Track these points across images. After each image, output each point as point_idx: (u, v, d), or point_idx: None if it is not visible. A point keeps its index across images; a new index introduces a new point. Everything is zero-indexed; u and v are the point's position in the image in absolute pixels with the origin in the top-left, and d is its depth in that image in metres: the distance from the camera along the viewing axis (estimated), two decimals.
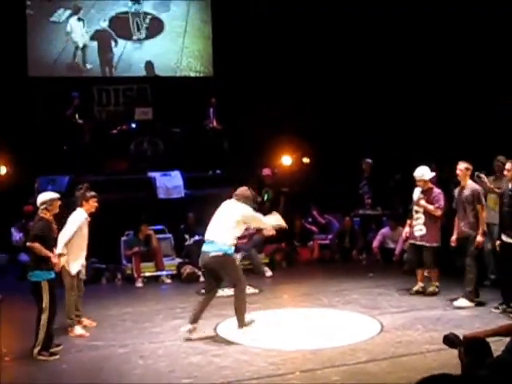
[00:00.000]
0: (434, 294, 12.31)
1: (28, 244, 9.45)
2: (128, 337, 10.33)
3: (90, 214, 10.94)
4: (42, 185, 16.70)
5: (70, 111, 18.04)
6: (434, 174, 12.45)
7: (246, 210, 10.12)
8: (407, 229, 12.76)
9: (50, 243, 9.67)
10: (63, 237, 10.36)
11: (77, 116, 18.16)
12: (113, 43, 20.66)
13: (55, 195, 9.98)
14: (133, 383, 8.03)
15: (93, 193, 11.06)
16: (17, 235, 15.57)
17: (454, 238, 11.84)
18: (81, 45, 20.25)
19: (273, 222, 10.47)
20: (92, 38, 20.44)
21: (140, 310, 12.08)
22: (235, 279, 10.05)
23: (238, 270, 10.15)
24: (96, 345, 9.92)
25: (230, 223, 10.04)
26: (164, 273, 14.96)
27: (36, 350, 9.34)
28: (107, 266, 14.78)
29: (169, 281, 14.83)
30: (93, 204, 10.96)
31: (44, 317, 9.36)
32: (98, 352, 9.60)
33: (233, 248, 10.10)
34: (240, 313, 10.07)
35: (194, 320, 10.07)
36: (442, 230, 12.48)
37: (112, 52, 20.62)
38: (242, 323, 10.08)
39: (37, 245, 9.35)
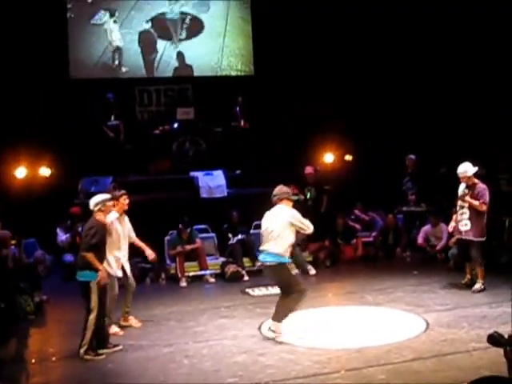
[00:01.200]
0: (480, 291, 12.18)
1: (83, 253, 9.46)
2: (173, 336, 10.38)
3: (125, 212, 10.99)
4: (85, 186, 16.87)
5: (106, 113, 18.16)
6: (476, 168, 12.31)
7: (294, 215, 10.03)
8: (453, 223, 12.65)
9: (104, 248, 9.76)
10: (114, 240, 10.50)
11: (112, 117, 18.27)
12: (156, 43, 20.71)
13: (107, 196, 10.10)
14: (178, 383, 8.03)
15: (122, 191, 11.14)
16: (62, 236, 15.69)
17: None
18: (115, 46, 20.31)
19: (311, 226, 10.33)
20: (131, 40, 20.51)
21: (184, 310, 12.12)
22: (294, 287, 9.95)
23: (294, 278, 10.01)
24: (141, 344, 9.98)
25: (280, 231, 9.94)
26: (208, 272, 14.98)
27: (82, 350, 9.41)
28: (152, 265, 14.83)
29: (213, 280, 14.83)
30: (123, 202, 11.00)
31: (91, 317, 9.41)
32: (143, 352, 9.66)
33: (287, 256, 9.99)
34: (285, 310, 9.98)
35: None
36: (488, 226, 12.34)
37: (155, 52, 20.67)
38: (279, 318, 9.98)
39: (90, 255, 9.41)
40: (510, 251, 13.38)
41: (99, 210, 9.75)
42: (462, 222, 12.35)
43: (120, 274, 10.76)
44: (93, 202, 9.86)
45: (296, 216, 10.03)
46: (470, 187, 12.26)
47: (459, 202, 12.42)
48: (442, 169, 17.04)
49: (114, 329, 10.57)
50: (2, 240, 13.68)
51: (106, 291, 9.67)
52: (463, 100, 18.07)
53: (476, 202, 12.12)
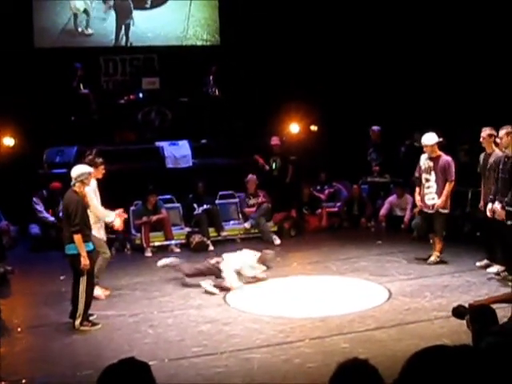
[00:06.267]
0: (435, 263, 12.29)
1: (74, 235, 9.34)
2: (138, 306, 10.43)
3: (97, 181, 10.98)
4: (50, 156, 16.76)
5: (74, 82, 18.07)
6: (440, 139, 12.35)
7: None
8: (418, 197, 12.67)
9: (88, 220, 9.72)
10: (98, 205, 10.56)
11: (81, 86, 18.17)
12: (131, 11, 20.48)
13: (90, 168, 9.99)
14: (143, 352, 8.08)
15: (101, 159, 11.12)
16: (39, 206, 15.46)
17: (481, 204, 11.75)
18: (81, 9, 20.01)
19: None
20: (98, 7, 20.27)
21: (149, 280, 12.15)
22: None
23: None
24: (106, 314, 10.01)
25: None
26: (173, 242, 15.00)
27: (78, 322, 9.39)
28: (117, 235, 14.81)
29: (178, 250, 14.83)
30: (101, 170, 11.02)
31: (81, 287, 9.37)
32: (109, 321, 9.70)
33: None
34: None
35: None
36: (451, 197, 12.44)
37: (130, 18, 20.44)
38: None
39: (78, 237, 9.32)
40: (473, 221, 13.51)
41: (81, 181, 9.63)
42: (429, 195, 12.36)
43: (105, 238, 10.90)
44: (75, 173, 9.67)
45: None
46: (433, 159, 12.27)
47: (424, 175, 12.45)
48: (406, 140, 17.12)
49: (98, 291, 10.61)
50: None
51: (92, 262, 9.64)
52: (425, 69, 18.12)
53: (443, 199, 12.08)
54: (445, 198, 12.11)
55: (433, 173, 12.27)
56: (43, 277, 12.45)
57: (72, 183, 9.67)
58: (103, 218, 10.70)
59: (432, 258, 12.38)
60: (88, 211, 9.81)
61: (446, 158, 12.32)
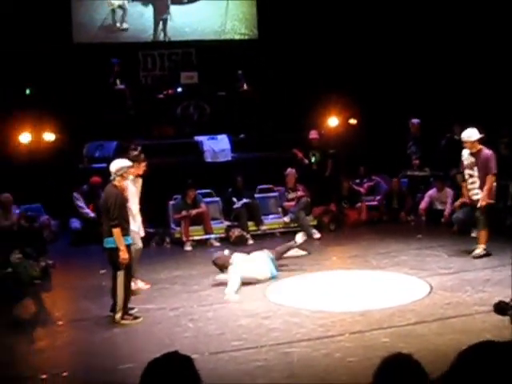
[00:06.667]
0: (480, 256, 12.17)
1: (113, 229, 9.39)
2: (178, 300, 10.46)
3: (137, 176, 11.04)
4: (90, 151, 16.90)
5: (111, 78, 18.20)
6: (481, 135, 12.19)
7: None
8: (466, 192, 12.50)
9: (127, 214, 9.80)
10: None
11: (118, 82, 18.28)
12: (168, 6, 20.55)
13: (129, 162, 10.03)
14: (184, 346, 8.10)
15: (144, 156, 11.19)
16: (81, 202, 15.56)
17: None
18: (118, 8, 20.15)
19: None
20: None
21: (189, 274, 12.19)
22: None
23: None
24: (147, 308, 10.06)
25: None
26: (212, 236, 15.04)
27: (118, 316, 9.44)
28: (156, 229, 14.89)
29: (217, 244, 14.86)
30: (143, 167, 11.09)
31: (119, 281, 9.41)
32: (149, 315, 9.74)
33: None
34: None
35: None
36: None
37: (167, 13, 20.52)
38: None
39: (117, 231, 9.38)
40: None
41: (121, 175, 9.69)
42: (474, 191, 12.22)
43: (143, 233, 10.96)
44: (114, 167, 9.74)
45: None
46: (475, 154, 12.11)
47: (467, 171, 12.31)
48: (447, 134, 16.97)
49: (138, 284, 10.67)
50: (3, 203, 13.73)
51: (131, 255, 9.70)
52: (465, 62, 17.95)
53: (485, 193, 11.92)
54: (487, 193, 11.98)
55: (475, 168, 12.12)
56: (84, 271, 12.55)
57: (111, 177, 9.72)
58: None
59: (477, 251, 12.22)
60: (128, 205, 9.87)
61: (486, 151, 12.14)
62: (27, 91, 17.87)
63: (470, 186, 12.30)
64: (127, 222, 9.74)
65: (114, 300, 9.51)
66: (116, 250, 9.37)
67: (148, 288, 11.20)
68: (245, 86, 18.81)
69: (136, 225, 10.82)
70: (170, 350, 3.50)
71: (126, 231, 9.58)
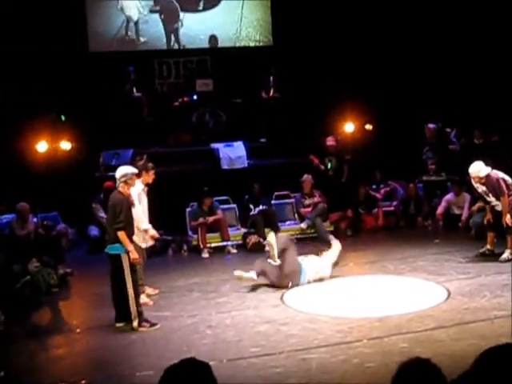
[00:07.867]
0: (507, 260, 12.03)
1: (118, 233, 9.42)
2: (195, 307, 10.47)
3: (147, 185, 11.07)
4: (106, 159, 16.95)
5: (127, 86, 18.29)
6: (489, 168, 12.09)
7: None
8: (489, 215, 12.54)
9: (132, 220, 9.78)
10: (138, 212, 10.52)
11: (134, 90, 18.38)
12: (178, 14, 20.59)
13: (134, 169, 10.06)
14: (202, 353, 8.10)
15: (152, 164, 11.21)
16: (102, 213, 15.55)
17: None
18: (135, 18, 20.24)
19: None
20: (154, 11, 20.44)
21: (206, 281, 12.19)
22: None
23: None
24: (165, 315, 10.07)
25: None
26: (229, 243, 15.05)
27: (135, 323, 9.43)
28: (173, 237, 14.92)
29: (234, 251, 14.89)
30: (151, 175, 11.11)
31: (129, 288, 9.39)
32: (167, 322, 9.74)
33: None
34: None
35: None
36: None
37: (178, 23, 20.59)
38: None
39: (122, 234, 9.40)
40: None
41: (125, 181, 9.73)
42: (494, 203, 12.27)
43: (144, 245, 10.92)
44: (119, 173, 9.79)
45: None
46: (484, 183, 12.11)
47: (483, 196, 12.43)
48: (462, 139, 16.94)
49: (143, 299, 10.69)
50: (20, 212, 13.78)
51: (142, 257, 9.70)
52: (481, 67, 17.92)
53: (507, 216, 11.95)
54: (509, 216, 11.97)
55: (490, 194, 12.21)
56: (101, 278, 12.49)
57: (116, 184, 9.79)
58: (139, 222, 10.69)
59: (504, 255, 12.16)
60: (133, 212, 9.88)
61: (491, 177, 12.09)
62: (62, 118, 17.92)
63: (491, 204, 12.36)
64: (132, 228, 9.76)
65: (123, 309, 9.50)
66: (120, 256, 9.39)
67: (157, 293, 11.26)
68: (271, 92, 18.87)
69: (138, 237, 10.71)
70: (188, 356, 3.51)
71: (130, 237, 9.60)
